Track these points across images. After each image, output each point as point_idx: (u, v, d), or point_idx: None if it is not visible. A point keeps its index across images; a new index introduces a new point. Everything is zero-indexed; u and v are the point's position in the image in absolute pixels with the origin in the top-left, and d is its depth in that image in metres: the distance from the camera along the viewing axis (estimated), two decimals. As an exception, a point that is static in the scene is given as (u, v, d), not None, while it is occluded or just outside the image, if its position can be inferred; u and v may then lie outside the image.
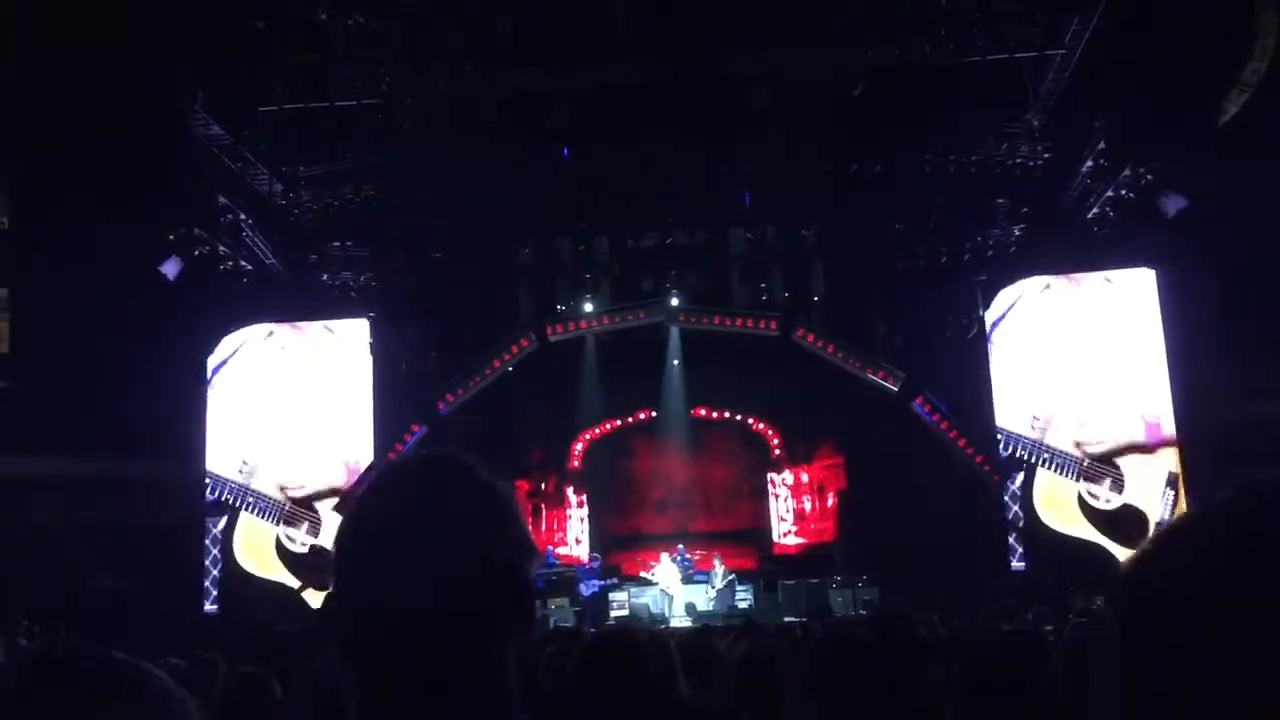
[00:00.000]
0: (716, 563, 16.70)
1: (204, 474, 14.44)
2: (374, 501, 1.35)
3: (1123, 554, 12.00)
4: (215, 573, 14.52)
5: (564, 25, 13.73)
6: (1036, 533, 12.76)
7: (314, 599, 13.03)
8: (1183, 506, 12.42)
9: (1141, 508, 11.66)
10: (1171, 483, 11.99)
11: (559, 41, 13.81)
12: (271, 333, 14.36)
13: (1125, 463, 12.65)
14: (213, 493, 13.84)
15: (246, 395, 14.23)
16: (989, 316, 14.06)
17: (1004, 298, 13.92)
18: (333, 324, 14.51)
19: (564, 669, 4.45)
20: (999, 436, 13.81)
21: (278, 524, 13.48)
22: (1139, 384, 13.00)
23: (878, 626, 3.30)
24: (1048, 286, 13.53)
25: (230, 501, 13.62)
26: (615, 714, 3.00)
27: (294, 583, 13.36)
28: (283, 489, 13.90)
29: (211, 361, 14.87)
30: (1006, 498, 13.86)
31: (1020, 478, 13.47)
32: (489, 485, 1.40)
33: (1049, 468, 12.58)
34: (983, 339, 15.40)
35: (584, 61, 14.06)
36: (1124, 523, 11.37)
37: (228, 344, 14.45)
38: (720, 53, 14.00)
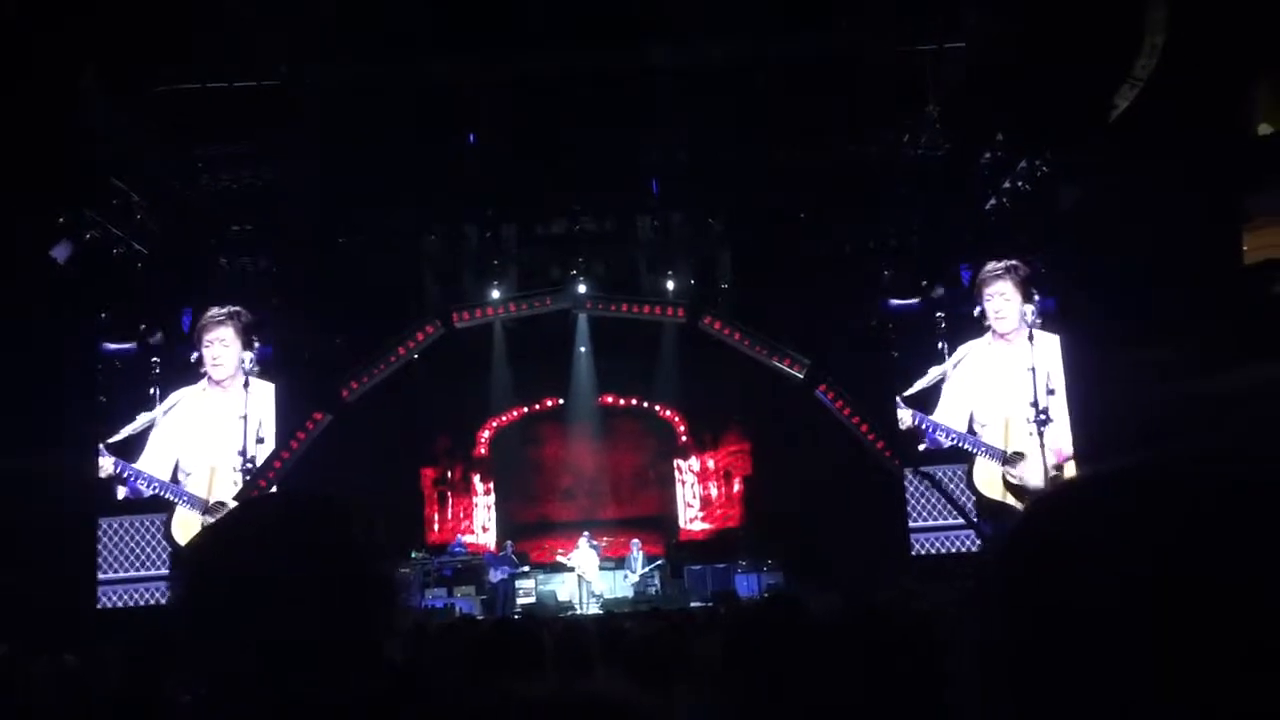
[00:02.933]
0: (634, 547, 16.80)
1: (97, 466, 14.00)
2: (226, 534, 1.38)
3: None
4: (107, 568, 14.19)
5: (473, 11, 13.57)
6: (979, 503, 13.53)
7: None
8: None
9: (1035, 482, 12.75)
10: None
11: (467, 27, 13.64)
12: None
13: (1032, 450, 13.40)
14: (148, 488, 13.42)
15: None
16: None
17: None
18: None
19: (459, 658, 4.42)
20: (942, 433, 14.01)
21: (202, 514, 13.26)
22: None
23: (770, 609, 3.33)
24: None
25: (165, 496, 13.40)
26: (500, 701, 2.99)
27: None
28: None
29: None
30: (955, 478, 14.19)
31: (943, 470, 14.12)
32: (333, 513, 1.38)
33: (984, 455, 13.26)
34: (885, 329, 15.69)
35: (492, 48, 13.92)
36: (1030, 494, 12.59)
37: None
38: (628, 41, 13.97)
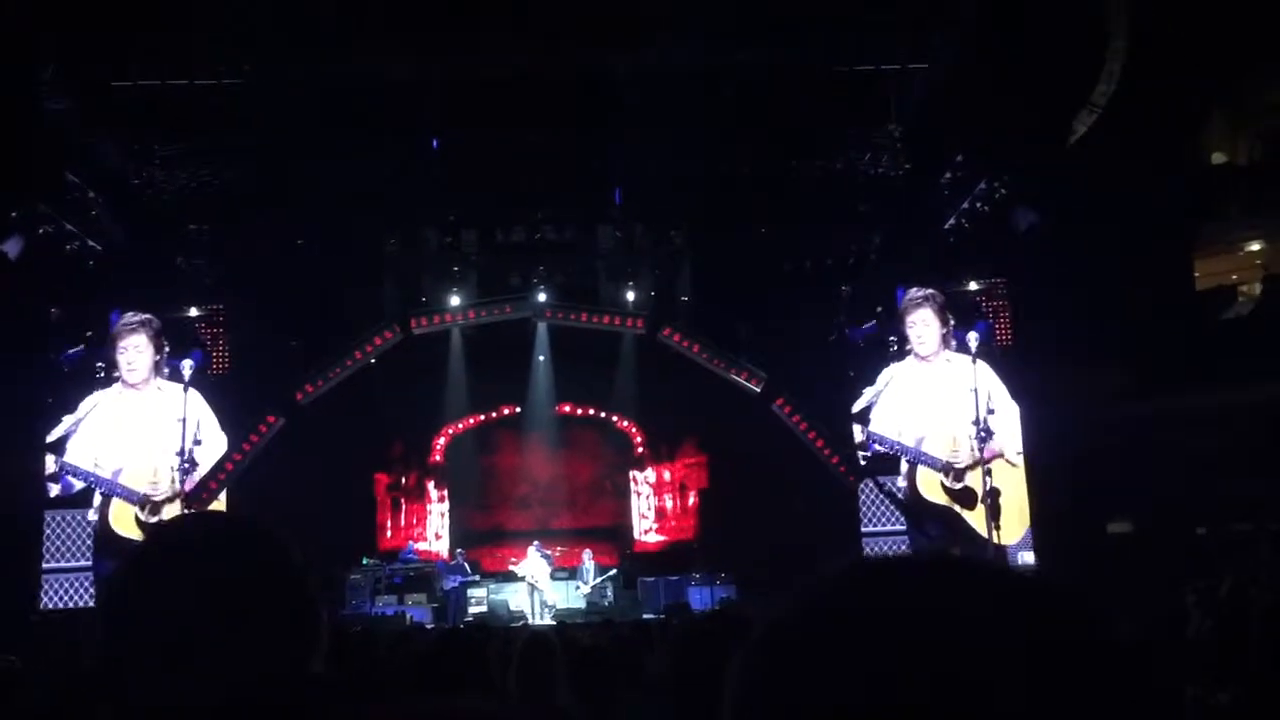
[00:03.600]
0: (586, 558, 16.76)
1: (43, 465, 13.76)
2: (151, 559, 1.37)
3: (966, 515, 13.57)
4: (52, 559, 14.04)
5: (438, 15, 13.53)
6: (917, 503, 14.04)
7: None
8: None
9: (973, 487, 13.24)
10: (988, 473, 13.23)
11: (432, 30, 13.59)
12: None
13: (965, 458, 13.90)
14: (83, 482, 13.38)
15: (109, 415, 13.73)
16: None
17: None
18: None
19: (410, 666, 4.40)
20: (885, 446, 14.27)
21: (139, 506, 13.21)
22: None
23: (720, 622, 3.33)
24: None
25: (101, 491, 13.40)
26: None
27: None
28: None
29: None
30: (901, 480, 14.39)
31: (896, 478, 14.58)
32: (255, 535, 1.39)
33: (925, 465, 14.04)
34: (842, 344, 15.80)
35: (456, 53, 13.88)
36: (964, 497, 13.43)
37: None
38: (593, 50, 14.00)
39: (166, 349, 13.79)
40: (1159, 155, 14.97)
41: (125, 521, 13.34)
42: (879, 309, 15.50)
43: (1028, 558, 13.78)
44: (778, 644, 0.73)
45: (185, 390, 12.63)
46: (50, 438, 13.47)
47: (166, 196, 14.94)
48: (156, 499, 13.29)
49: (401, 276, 16.69)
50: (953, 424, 13.47)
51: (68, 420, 13.54)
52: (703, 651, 2.66)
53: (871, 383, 14.90)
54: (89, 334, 14.56)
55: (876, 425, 14.17)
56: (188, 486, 12.92)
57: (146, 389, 13.74)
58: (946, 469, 13.70)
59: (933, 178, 15.03)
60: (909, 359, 14.39)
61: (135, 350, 13.57)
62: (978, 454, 12.96)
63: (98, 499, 13.57)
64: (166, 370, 13.17)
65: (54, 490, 13.48)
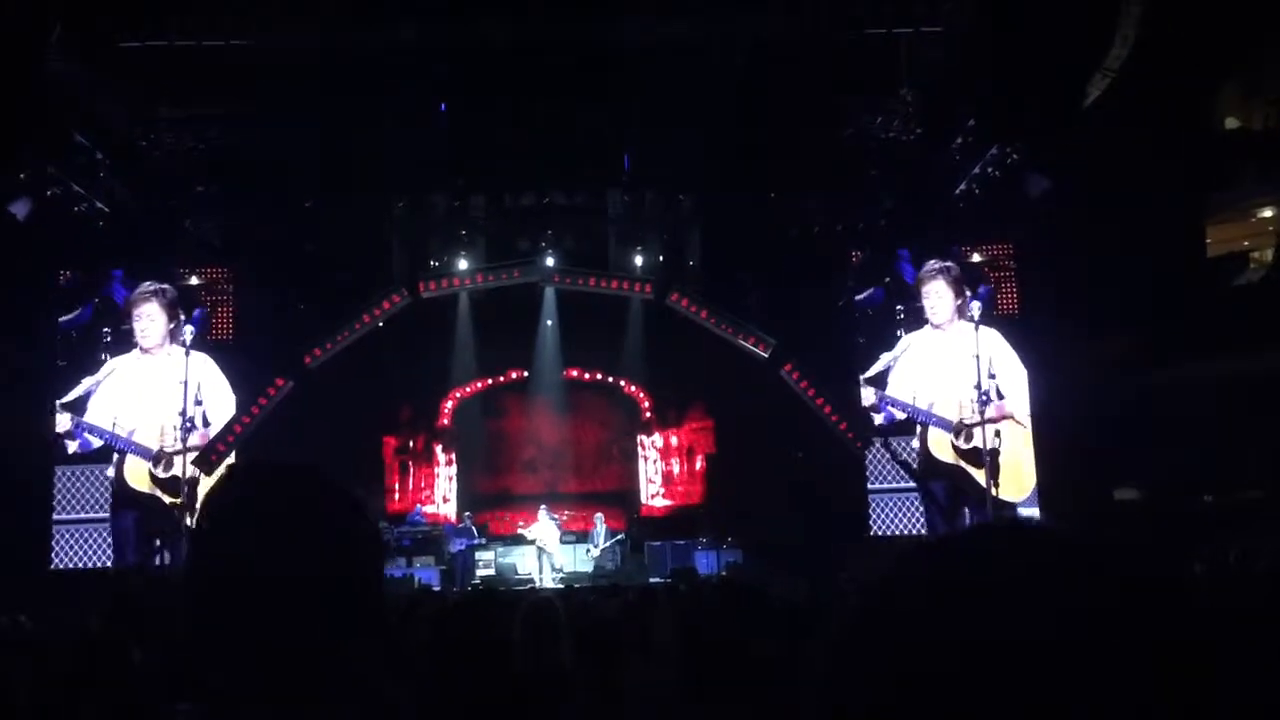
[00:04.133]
0: (598, 521, 16.85)
1: (53, 426, 13.86)
2: (233, 509, 1.37)
3: (974, 473, 13.59)
4: (62, 510, 14.35)
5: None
6: (928, 462, 14.23)
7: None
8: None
9: (980, 447, 13.33)
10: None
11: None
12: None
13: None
14: (99, 440, 13.69)
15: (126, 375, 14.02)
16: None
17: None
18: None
19: (425, 631, 4.42)
20: (898, 409, 14.42)
21: (152, 462, 13.55)
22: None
23: (729, 594, 3.35)
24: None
25: (116, 447, 13.72)
26: (479, 671, 2.99)
27: (164, 497, 13.40)
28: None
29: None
30: (914, 442, 14.57)
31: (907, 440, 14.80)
32: (349, 505, 1.40)
33: (936, 426, 14.22)
34: (850, 311, 15.77)
35: (466, 16, 13.78)
36: (972, 456, 13.58)
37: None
38: (603, 16, 13.88)
39: (181, 316, 14.05)
40: (1172, 121, 14.86)
41: (139, 478, 13.71)
42: (886, 279, 15.50)
43: (1033, 514, 13.98)
44: (884, 614, 0.75)
45: (186, 353, 12.82)
46: (69, 398, 13.70)
47: (174, 159, 14.89)
48: (168, 453, 13.50)
49: (410, 241, 16.67)
50: (962, 388, 13.67)
51: (87, 381, 13.91)
52: (709, 619, 2.68)
53: (881, 349, 14.97)
54: (96, 300, 14.64)
55: (892, 389, 14.42)
56: (189, 444, 13.05)
57: (160, 354, 14.05)
58: (956, 430, 13.88)
59: (944, 143, 14.93)
60: (926, 327, 14.57)
61: (148, 318, 13.98)
62: (979, 416, 13.11)
63: (115, 456, 13.82)
64: (181, 336, 13.35)
65: (72, 447, 13.73)
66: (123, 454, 13.72)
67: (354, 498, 1.40)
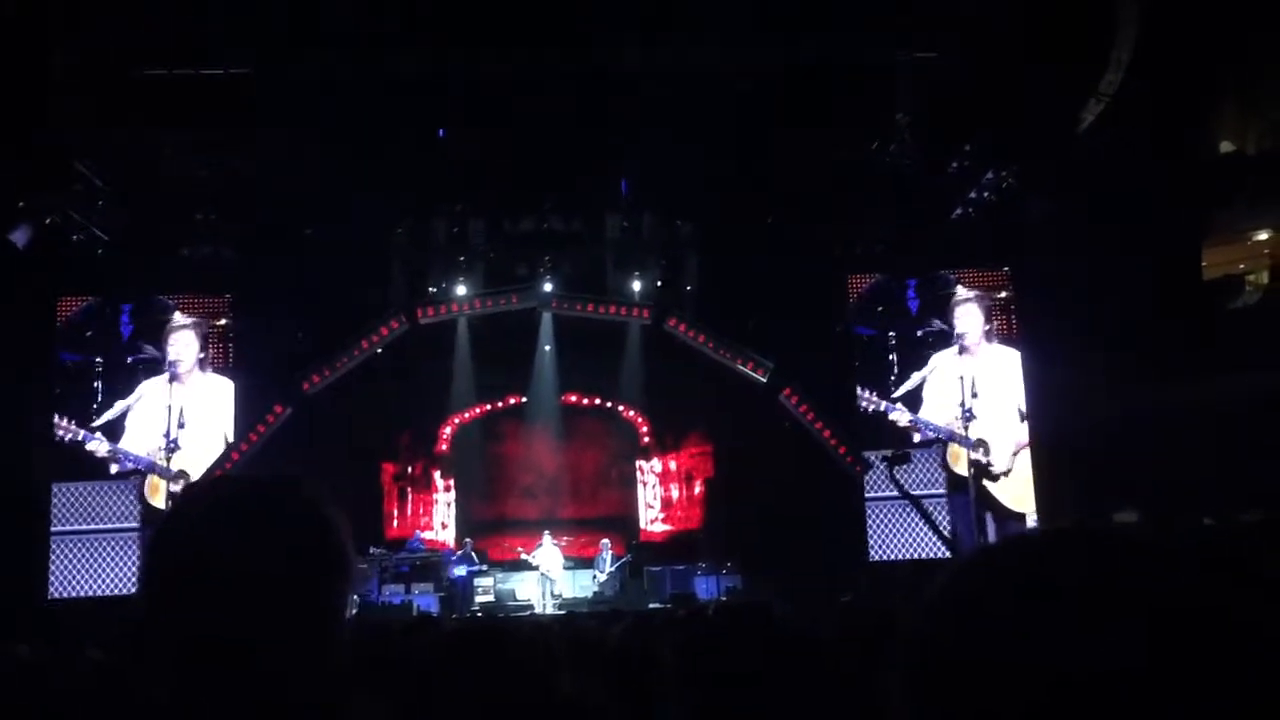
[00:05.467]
0: (604, 547, 16.83)
1: (48, 456, 14.00)
2: (189, 521, 1.39)
3: (990, 488, 14.10)
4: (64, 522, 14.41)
5: (445, 5, 13.50)
6: (949, 479, 14.62)
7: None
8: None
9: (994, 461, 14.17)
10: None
11: (439, 21, 13.56)
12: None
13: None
14: (124, 464, 14.13)
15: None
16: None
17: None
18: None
19: (427, 656, 4.40)
20: (931, 430, 14.60)
21: (168, 481, 13.94)
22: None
23: (740, 617, 3.34)
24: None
25: (142, 469, 14.22)
26: (483, 707, 2.98)
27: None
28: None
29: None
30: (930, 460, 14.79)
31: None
32: (311, 512, 1.40)
33: (957, 444, 14.65)
34: (848, 336, 15.80)
35: (464, 43, 13.85)
36: (989, 471, 14.21)
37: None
38: (602, 42, 13.96)
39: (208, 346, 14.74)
40: (1167, 144, 14.93)
41: (159, 495, 14.06)
42: (879, 308, 15.60)
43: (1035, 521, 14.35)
44: (963, 639, 0.72)
45: (170, 381, 13.34)
46: (102, 420, 14.00)
47: (173, 187, 14.94)
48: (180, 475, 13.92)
49: (408, 266, 16.70)
50: (985, 407, 14.04)
51: (119, 405, 14.15)
52: (720, 646, 2.67)
53: (886, 373, 15.15)
54: (89, 334, 14.74)
55: (926, 409, 14.73)
56: (173, 466, 13.61)
57: (189, 380, 14.43)
58: (974, 446, 14.19)
59: (940, 168, 15.01)
60: (952, 348, 14.92)
61: (184, 345, 14.38)
62: (964, 431, 13.76)
63: (136, 477, 14.35)
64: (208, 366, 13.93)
65: (114, 468, 14.20)
66: (145, 475, 14.06)
67: (322, 513, 1.40)
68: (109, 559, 14.20)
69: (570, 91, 14.29)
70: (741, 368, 15.60)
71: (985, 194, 14.63)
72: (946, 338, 15.08)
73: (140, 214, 15.03)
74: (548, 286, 16.31)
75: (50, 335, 14.69)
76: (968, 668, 0.69)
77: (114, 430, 14.27)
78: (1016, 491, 14.12)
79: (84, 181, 14.14)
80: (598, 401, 19.06)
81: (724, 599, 14.33)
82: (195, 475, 13.48)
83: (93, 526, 14.38)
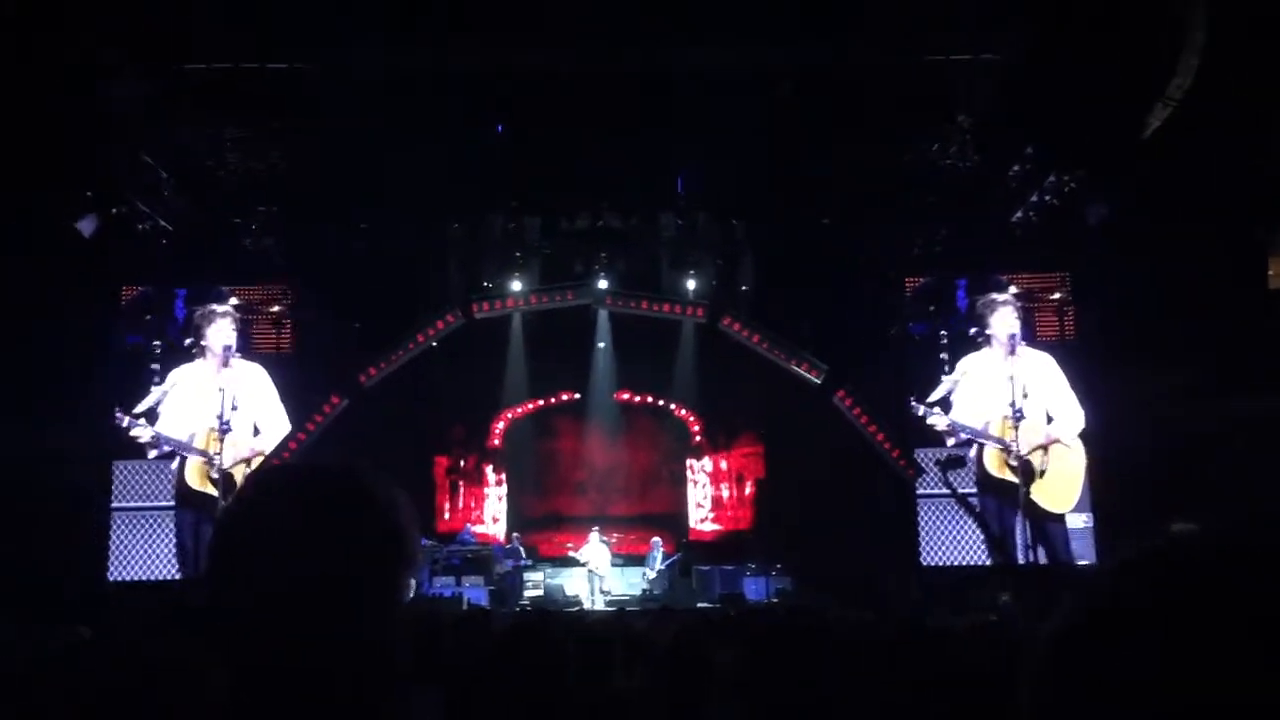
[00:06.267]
0: (655, 546, 16.85)
1: (109, 438, 14.30)
2: (253, 506, 1.41)
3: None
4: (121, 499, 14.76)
5: (503, 7, 13.56)
6: (984, 476, 14.42)
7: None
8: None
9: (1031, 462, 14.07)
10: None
11: (499, 17, 13.63)
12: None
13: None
14: (170, 448, 14.38)
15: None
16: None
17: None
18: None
19: (478, 648, 4.43)
20: (966, 433, 14.49)
21: (209, 465, 14.15)
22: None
23: (797, 622, 3.34)
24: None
25: (180, 452, 14.44)
26: (534, 696, 3.00)
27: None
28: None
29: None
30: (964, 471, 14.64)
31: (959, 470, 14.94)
32: (371, 499, 1.42)
33: (993, 445, 14.56)
34: (903, 338, 15.69)
35: (523, 40, 13.91)
36: (1023, 472, 14.02)
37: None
38: (660, 41, 13.95)
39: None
40: (1234, 151, 14.66)
41: (199, 478, 14.20)
42: (931, 306, 15.48)
43: (1076, 521, 14.30)
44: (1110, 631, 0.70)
45: (225, 365, 13.95)
46: (141, 407, 14.22)
47: (236, 179, 15.16)
48: (221, 459, 14.00)
49: (464, 261, 16.80)
50: (1027, 407, 13.94)
51: (156, 391, 14.45)
52: (781, 649, 2.66)
53: (930, 375, 15.01)
54: (148, 317, 15.03)
55: (955, 412, 14.63)
56: (227, 448, 13.74)
57: (225, 366, 14.64)
58: (1008, 448, 14.09)
59: (1001, 170, 14.84)
60: (983, 351, 14.76)
61: (219, 332, 14.50)
62: (1015, 432, 13.64)
63: (177, 459, 14.52)
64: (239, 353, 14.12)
65: (153, 453, 14.42)
66: (184, 457, 14.28)
67: (384, 498, 1.42)
68: (167, 536, 14.54)
69: (627, 89, 14.28)
70: (795, 368, 15.52)
71: (1046, 198, 14.44)
72: (981, 339, 15.00)
73: (203, 205, 15.28)
74: (603, 284, 16.33)
75: (114, 322, 15.01)
76: (1126, 689, 0.67)
77: (150, 416, 14.57)
78: (1053, 492, 14.05)
79: (149, 172, 14.39)
80: (650, 399, 19.07)
81: (776, 601, 14.29)
82: (229, 459, 13.59)
83: (151, 504, 14.75)
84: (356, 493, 1.42)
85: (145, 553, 14.65)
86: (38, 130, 12.65)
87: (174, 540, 14.42)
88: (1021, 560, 13.62)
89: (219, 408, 13.68)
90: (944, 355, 15.32)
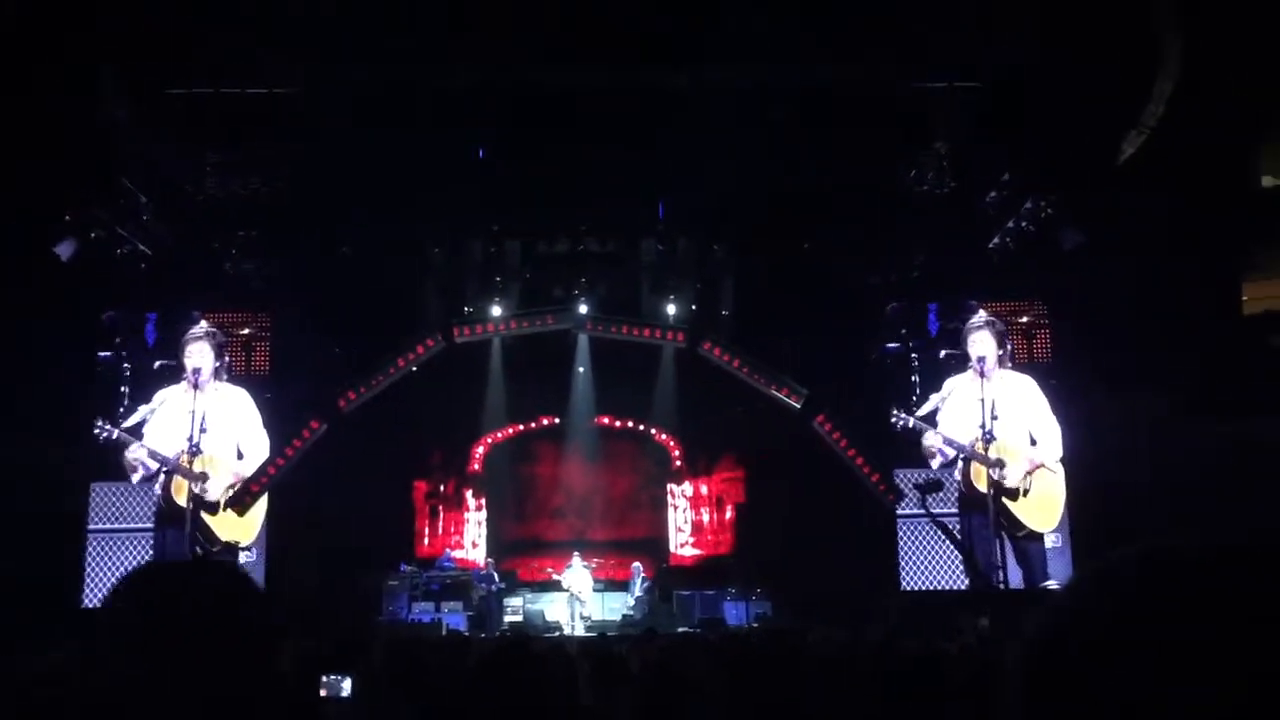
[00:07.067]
0: (636, 571, 16.82)
1: (87, 464, 14.21)
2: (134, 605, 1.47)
3: (1008, 505, 13.71)
4: (92, 562, 14.62)
5: (483, 24, 13.63)
6: (969, 492, 14.13)
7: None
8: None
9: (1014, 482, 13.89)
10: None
11: (477, 40, 13.69)
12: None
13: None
14: (158, 464, 13.94)
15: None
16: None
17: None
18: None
19: (460, 673, 4.43)
20: (952, 448, 14.46)
21: (190, 482, 13.82)
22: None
23: (776, 642, 3.35)
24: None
25: (166, 470, 13.98)
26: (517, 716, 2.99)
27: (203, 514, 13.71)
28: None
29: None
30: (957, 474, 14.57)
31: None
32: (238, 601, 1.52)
33: (978, 462, 14.24)
34: (882, 363, 15.76)
35: (502, 62, 13.98)
36: (1006, 489, 13.83)
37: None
38: (638, 62, 14.05)
39: (227, 357, 14.57)
40: (1208, 177, 14.84)
41: (183, 495, 14.07)
42: (903, 329, 15.58)
43: (1047, 541, 14.28)
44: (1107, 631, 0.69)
45: (194, 388, 13.55)
46: (128, 424, 14.13)
47: (216, 203, 15.14)
48: (203, 477, 13.92)
49: (445, 286, 16.80)
50: (1001, 431, 13.87)
51: (142, 409, 14.34)
52: (761, 670, 2.67)
53: (915, 398, 15.05)
54: (117, 340, 15.01)
55: (943, 429, 14.63)
56: (213, 472, 13.60)
57: (207, 388, 14.54)
58: (994, 465, 14.15)
59: (978, 197, 14.97)
60: (969, 373, 14.79)
61: (200, 355, 14.42)
62: (984, 451, 13.47)
63: (162, 477, 14.26)
64: (225, 375, 13.92)
65: (137, 476, 14.00)
66: (169, 475, 14.16)
67: (241, 590, 1.51)
68: (142, 557, 14.41)
69: (608, 113, 14.36)
70: (776, 393, 15.55)
71: (1024, 224, 14.57)
72: (963, 361, 14.99)
73: (183, 230, 15.25)
74: (583, 308, 16.34)
75: (92, 346, 14.94)
76: (1119, 690, 0.67)
77: (135, 434, 14.50)
78: (1037, 512, 14.07)
79: (128, 197, 14.35)
80: (630, 424, 19.07)
81: (756, 625, 14.28)
82: (213, 477, 13.51)
83: (127, 526, 14.68)
84: (221, 585, 1.53)
85: (120, 570, 14.56)
86: (17, 152, 12.61)
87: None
88: (996, 581, 13.65)
89: (189, 429, 13.64)
90: (914, 378, 15.37)
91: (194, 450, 13.58)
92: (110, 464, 14.19)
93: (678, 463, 19.22)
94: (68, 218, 13.77)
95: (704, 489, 19.16)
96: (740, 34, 13.42)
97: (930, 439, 14.62)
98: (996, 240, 15.12)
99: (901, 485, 15.00)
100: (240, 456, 14.04)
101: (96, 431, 13.66)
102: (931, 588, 14.93)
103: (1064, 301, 15.39)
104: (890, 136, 14.66)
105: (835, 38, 13.60)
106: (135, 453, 14.04)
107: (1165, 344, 14.28)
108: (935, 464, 14.70)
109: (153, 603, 1.44)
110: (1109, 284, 14.22)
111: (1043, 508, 14.12)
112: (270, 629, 1.46)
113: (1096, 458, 13.98)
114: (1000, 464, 13.94)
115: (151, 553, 14.17)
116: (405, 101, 14.30)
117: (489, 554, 18.07)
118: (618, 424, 19.05)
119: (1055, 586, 13.78)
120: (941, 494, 14.73)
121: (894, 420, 14.13)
